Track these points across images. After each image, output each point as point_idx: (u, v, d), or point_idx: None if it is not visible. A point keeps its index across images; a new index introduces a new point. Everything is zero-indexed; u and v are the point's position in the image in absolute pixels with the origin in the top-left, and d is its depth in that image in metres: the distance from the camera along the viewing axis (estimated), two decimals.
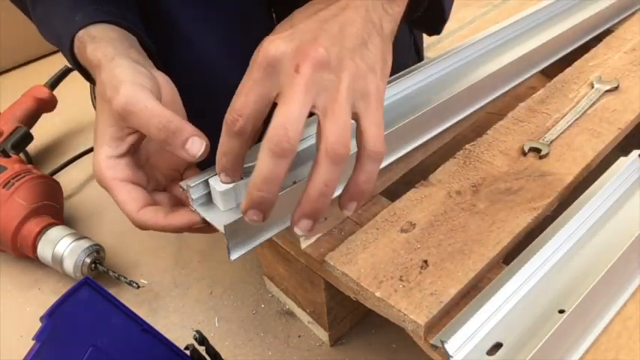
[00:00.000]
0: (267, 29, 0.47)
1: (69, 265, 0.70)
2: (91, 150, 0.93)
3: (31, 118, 0.94)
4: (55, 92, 0.98)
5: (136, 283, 0.70)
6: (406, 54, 0.82)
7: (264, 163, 0.42)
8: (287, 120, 0.41)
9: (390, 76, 0.65)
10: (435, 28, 0.59)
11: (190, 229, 0.51)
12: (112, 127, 0.51)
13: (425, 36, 0.88)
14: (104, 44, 0.55)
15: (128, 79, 0.50)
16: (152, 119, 0.48)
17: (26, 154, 0.93)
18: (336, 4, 0.45)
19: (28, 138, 0.90)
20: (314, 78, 0.42)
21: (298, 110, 0.41)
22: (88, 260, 0.71)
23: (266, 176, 0.42)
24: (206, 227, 0.51)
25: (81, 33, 0.56)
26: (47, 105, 0.97)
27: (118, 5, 0.61)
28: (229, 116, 0.44)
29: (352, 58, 0.43)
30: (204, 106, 0.66)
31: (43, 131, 1.00)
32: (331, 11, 0.45)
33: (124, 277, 0.70)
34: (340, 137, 0.41)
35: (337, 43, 0.43)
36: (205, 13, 0.70)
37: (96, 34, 0.56)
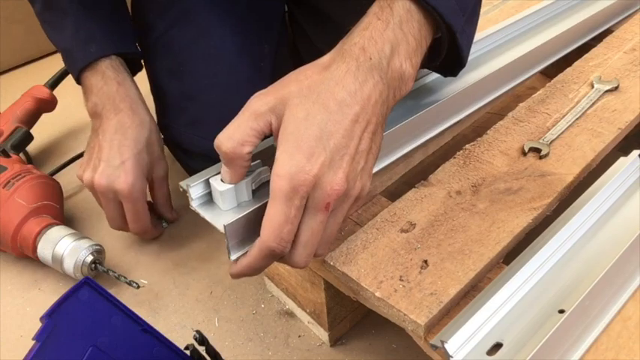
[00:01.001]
0: (281, 21, 0.48)
1: (69, 265, 0.70)
2: None
3: (31, 118, 0.94)
4: (55, 92, 0.98)
5: (136, 283, 0.70)
6: None
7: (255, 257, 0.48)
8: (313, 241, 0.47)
9: None
10: (452, 72, 0.60)
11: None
12: (150, 168, 0.73)
13: None
14: (124, 81, 0.72)
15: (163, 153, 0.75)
16: (137, 219, 0.72)
17: (26, 154, 0.93)
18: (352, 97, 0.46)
19: (28, 138, 0.90)
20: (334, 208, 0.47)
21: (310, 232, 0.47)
22: (88, 260, 0.71)
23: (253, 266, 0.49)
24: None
25: (101, 63, 0.72)
26: (47, 105, 0.97)
27: (124, 30, 0.75)
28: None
29: (360, 179, 0.47)
30: (216, 95, 0.70)
31: (43, 131, 1.00)
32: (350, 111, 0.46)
33: (124, 277, 0.70)
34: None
35: (354, 171, 0.46)
36: (220, 3, 0.72)
37: (114, 65, 0.72)
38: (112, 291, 0.71)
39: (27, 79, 1.03)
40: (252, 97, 0.47)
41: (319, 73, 0.46)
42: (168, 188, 0.77)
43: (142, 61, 0.79)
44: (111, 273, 0.71)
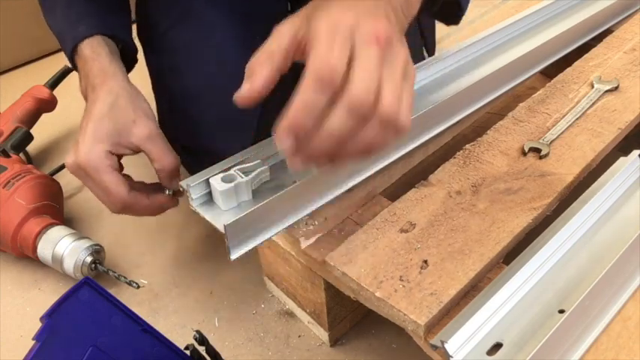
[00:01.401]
0: (282, 18, 0.48)
1: (69, 265, 0.70)
2: None
3: (31, 118, 0.94)
4: (55, 92, 0.98)
5: (136, 283, 0.70)
6: (416, 58, 0.82)
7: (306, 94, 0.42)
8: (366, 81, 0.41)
9: None
10: (454, 19, 0.60)
11: (165, 209, 0.68)
12: (119, 136, 0.64)
13: None
14: (116, 59, 0.69)
15: (150, 115, 0.66)
16: (161, 158, 0.64)
17: (26, 154, 0.93)
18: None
19: (28, 138, 0.90)
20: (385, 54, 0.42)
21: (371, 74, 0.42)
22: (88, 260, 0.71)
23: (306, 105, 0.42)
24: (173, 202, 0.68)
25: (95, 38, 0.68)
26: (47, 105, 0.97)
27: (116, 17, 0.72)
28: (325, 69, 0.41)
29: (400, 40, 0.44)
30: (216, 94, 0.70)
31: (43, 131, 1.00)
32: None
33: (124, 277, 0.70)
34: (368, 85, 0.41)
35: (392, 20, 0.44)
36: (223, 3, 0.73)
37: (107, 44, 0.69)
38: (112, 291, 0.71)
39: (27, 79, 1.03)
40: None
41: None
42: (161, 149, 0.66)
43: (138, 58, 0.79)
44: (111, 273, 0.71)
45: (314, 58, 0.41)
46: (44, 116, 0.97)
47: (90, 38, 0.68)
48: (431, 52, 0.86)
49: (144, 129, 0.65)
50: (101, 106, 0.65)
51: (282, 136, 0.42)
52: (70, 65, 0.73)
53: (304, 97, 0.41)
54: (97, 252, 0.72)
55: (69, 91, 0.95)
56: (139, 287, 0.70)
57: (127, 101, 0.66)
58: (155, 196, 0.66)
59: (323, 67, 0.41)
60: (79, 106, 0.69)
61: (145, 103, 0.67)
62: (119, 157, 0.65)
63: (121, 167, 0.66)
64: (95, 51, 0.68)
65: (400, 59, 0.43)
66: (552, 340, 0.42)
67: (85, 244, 0.71)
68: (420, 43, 0.83)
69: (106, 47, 0.69)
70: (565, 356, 0.44)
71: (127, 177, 0.66)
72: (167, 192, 0.68)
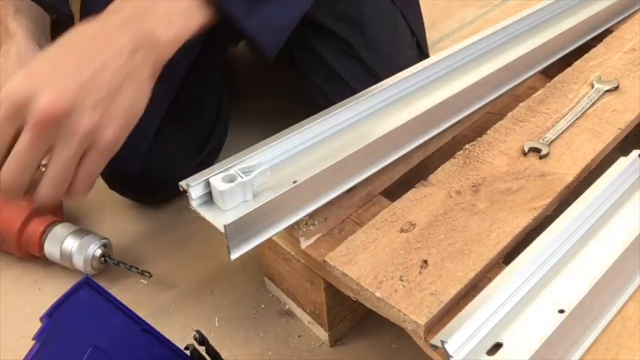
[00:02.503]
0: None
1: (79, 261, 0.71)
2: None
3: None
4: None
5: (148, 273, 0.70)
6: (407, 52, 0.82)
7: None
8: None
9: (391, 75, 0.65)
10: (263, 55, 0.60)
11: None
12: None
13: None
14: (24, 21, 0.66)
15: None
16: None
17: None
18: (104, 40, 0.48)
19: None
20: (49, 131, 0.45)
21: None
22: (97, 254, 0.71)
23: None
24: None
25: None
26: None
27: None
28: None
29: (93, 113, 0.47)
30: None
31: None
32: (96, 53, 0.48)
33: (136, 268, 0.70)
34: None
35: (82, 98, 0.46)
36: None
37: (19, 5, 0.66)
38: (115, 289, 0.71)
39: None
40: None
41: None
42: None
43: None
44: (121, 265, 0.71)
45: None
46: None
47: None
48: (424, 50, 0.86)
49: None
50: None
51: None
52: None
53: None
54: (105, 245, 0.72)
55: None
56: (151, 276, 0.70)
57: (15, 62, 0.63)
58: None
59: None
60: None
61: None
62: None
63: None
64: (2, 12, 0.66)
65: (78, 132, 0.46)
66: (552, 340, 0.42)
67: (92, 238, 0.72)
68: (412, 41, 0.83)
69: (13, 6, 0.66)
70: (565, 356, 0.44)
71: None
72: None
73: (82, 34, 0.50)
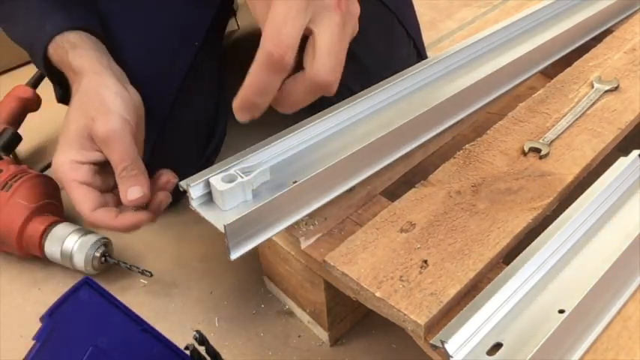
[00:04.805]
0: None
1: (79, 260, 0.71)
2: None
3: (17, 118, 0.92)
4: (39, 92, 0.95)
5: (149, 272, 0.70)
6: (404, 52, 0.82)
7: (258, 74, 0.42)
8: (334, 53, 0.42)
9: (390, 75, 0.65)
10: None
11: (136, 228, 0.60)
12: (83, 138, 0.59)
13: (425, 36, 0.88)
14: (85, 53, 0.62)
15: (117, 111, 0.58)
16: (121, 158, 0.57)
17: (15, 155, 0.91)
18: None
19: (16, 139, 0.89)
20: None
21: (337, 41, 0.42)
22: (98, 254, 0.71)
23: (260, 87, 0.43)
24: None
25: (58, 39, 0.62)
26: (32, 104, 0.95)
27: (84, 9, 0.67)
28: (275, 50, 0.40)
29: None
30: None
31: (29, 131, 0.99)
32: None
33: (136, 267, 0.70)
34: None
35: None
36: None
37: (74, 40, 0.63)
38: (116, 288, 0.71)
39: (26, 79, 1.02)
40: None
41: None
42: (118, 151, 0.58)
43: None
44: (122, 264, 0.71)
45: (265, 34, 0.40)
46: (29, 116, 0.95)
47: (56, 38, 0.63)
48: (422, 51, 0.86)
49: (102, 127, 0.57)
50: (69, 109, 0.60)
51: (237, 114, 0.44)
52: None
53: (255, 79, 0.41)
54: (106, 245, 0.72)
55: (52, 89, 0.94)
56: (151, 276, 0.70)
57: (90, 98, 0.59)
58: (125, 215, 0.60)
59: (274, 49, 0.39)
60: (62, 105, 0.69)
61: (112, 92, 0.60)
62: (94, 164, 0.60)
63: (101, 174, 0.61)
64: (56, 52, 0.63)
65: (354, 19, 0.43)
66: (552, 340, 0.42)
67: (93, 238, 0.72)
68: (408, 42, 0.83)
69: (67, 43, 0.63)
70: (565, 356, 0.44)
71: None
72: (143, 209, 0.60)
73: None
